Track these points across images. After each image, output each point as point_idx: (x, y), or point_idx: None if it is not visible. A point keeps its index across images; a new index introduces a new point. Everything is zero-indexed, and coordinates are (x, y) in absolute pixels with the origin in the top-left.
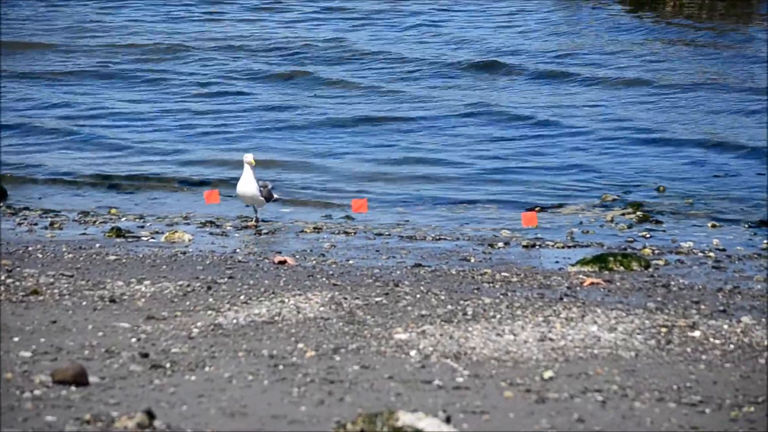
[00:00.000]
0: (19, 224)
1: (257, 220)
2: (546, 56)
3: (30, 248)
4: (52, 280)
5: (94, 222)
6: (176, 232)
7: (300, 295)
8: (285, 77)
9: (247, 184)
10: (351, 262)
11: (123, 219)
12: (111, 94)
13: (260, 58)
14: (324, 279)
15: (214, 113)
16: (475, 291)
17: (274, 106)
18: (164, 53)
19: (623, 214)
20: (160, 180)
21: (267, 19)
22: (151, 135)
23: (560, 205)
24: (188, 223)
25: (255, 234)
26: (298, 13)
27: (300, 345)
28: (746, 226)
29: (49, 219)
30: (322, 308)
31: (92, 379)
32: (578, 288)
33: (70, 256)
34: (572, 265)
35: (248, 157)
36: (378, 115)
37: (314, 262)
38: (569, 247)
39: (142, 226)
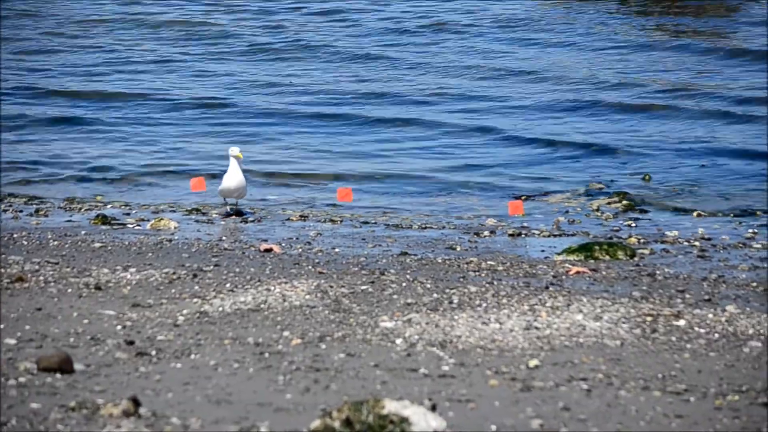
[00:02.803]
0: (4, 211)
1: (239, 213)
2: (536, 50)
3: (15, 235)
4: (37, 267)
5: (80, 209)
6: (162, 219)
7: (286, 283)
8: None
9: (236, 177)
10: (337, 250)
11: (109, 206)
12: None
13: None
14: (310, 267)
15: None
16: (461, 279)
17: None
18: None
19: (609, 203)
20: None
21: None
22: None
23: (546, 194)
24: (174, 211)
25: (241, 221)
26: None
27: (286, 333)
28: (731, 215)
29: (35, 206)
30: (308, 296)
31: (77, 366)
32: (564, 277)
33: (56, 243)
34: (558, 254)
35: (234, 150)
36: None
37: (300, 250)
38: (555, 235)
39: (128, 214)
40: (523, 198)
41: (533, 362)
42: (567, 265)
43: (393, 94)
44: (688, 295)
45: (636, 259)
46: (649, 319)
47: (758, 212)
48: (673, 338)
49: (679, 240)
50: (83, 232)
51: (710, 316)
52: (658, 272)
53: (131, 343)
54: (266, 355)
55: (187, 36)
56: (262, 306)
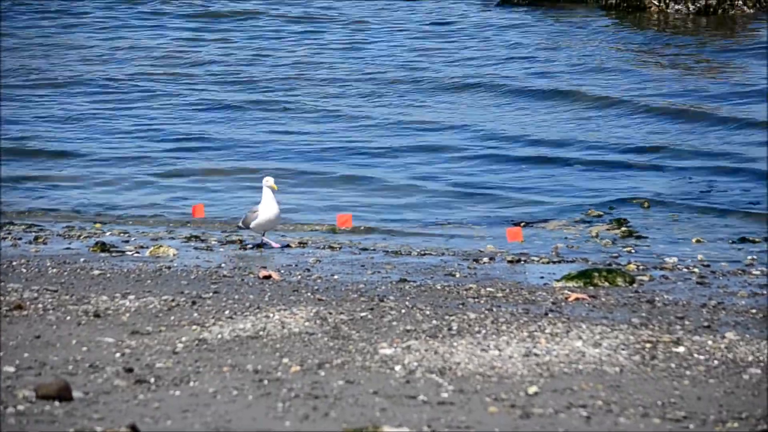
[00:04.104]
0: (3, 238)
1: (262, 243)
2: (527, 72)
3: (14, 263)
4: (36, 294)
5: (79, 236)
6: (161, 246)
7: (285, 310)
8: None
9: (274, 208)
10: (336, 277)
11: (108, 233)
12: None
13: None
14: (309, 294)
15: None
16: (460, 306)
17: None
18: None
19: (608, 230)
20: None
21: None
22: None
23: (545, 221)
24: (173, 238)
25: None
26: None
27: (285, 360)
28: (730, 241)
29: (34, 233)
30: (306, 323)
31: (76, 394)
32: (563, 303)
33: (55, 270)
34: (557, 281)
35: (269, 181)
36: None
37: (299, 276)
38: (554, 262)
39: (127, 241)
40: (521, 225)
41: (532, 389)
42: (566, 291)
43: (369, 147)
44: (687, 322)
45: (635, 285)
46: (648, 345)
47: (757, 239)
48: (673, 365)
49: (678, 266)
50: (82, 260)
51: (710, 342)
52: (657, 299)
53: (130, 370)
54: (265, 382)
55: (143, 88)
56: (261, 333)
